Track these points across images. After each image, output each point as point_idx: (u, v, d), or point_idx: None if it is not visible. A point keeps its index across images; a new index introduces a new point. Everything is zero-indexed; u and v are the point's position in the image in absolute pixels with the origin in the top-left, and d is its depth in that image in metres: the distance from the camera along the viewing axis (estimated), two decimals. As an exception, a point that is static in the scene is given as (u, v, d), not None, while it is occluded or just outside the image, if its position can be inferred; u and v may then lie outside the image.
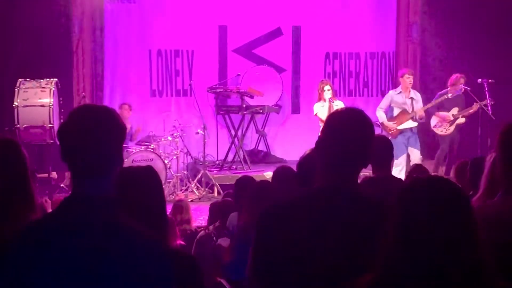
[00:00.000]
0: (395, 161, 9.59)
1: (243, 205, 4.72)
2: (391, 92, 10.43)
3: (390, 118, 10.20)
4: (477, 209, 2.17)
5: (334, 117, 2.46)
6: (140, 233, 1.99)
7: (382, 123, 10.16)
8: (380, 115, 10.20)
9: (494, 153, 3.21)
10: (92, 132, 2.00)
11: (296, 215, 2.33)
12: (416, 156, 9.99)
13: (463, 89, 10.15)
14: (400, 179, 4.89)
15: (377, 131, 10.60)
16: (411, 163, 9.78)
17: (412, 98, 10.12)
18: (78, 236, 1.92)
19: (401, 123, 10.06)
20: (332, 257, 2.23)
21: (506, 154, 2.52)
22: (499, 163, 2.54)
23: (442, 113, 10.71)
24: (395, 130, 10.06)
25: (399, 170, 9.62)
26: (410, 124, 10.07)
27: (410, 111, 10.05)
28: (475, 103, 10.04)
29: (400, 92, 10.16)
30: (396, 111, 10.19)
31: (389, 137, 9.90)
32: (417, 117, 10.04)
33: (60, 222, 1.97)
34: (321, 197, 2.35)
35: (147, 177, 2.69)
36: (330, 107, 9.72)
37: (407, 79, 10.09)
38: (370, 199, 2.42)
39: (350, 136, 2.35)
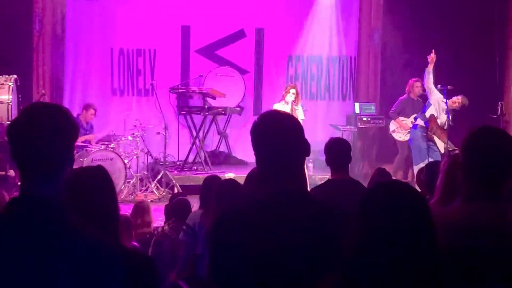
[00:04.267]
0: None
1: (210, 205, 4.65)
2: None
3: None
4: (437, 215, 2.17)
5: (256, 126, 2.52)
6: (89, 234, 1.95)
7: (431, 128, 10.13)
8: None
9: (447, 159, 3.25)
10: (42, 130, 1.94)
11: (249, 221, 2.31)
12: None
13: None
14: (357, 182, 4.89)
15: (338, 134, 10.68)
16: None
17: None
18: (25, 237, 1.88)
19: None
20: (286, 262, 2.22)
21: (468, 162, 2.52)
22: (461, 170, 2.54)
23: (402, 120, 10.87)
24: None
25: None
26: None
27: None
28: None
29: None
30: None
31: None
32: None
33: (6, 223, 1.92)
34: (273, 202, 2.34)
35: (96, 178, 2.66)
36: (292, 110, 9.68)
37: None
38: (321, 203, 2.45)
39: (280, 140, 2.39)
